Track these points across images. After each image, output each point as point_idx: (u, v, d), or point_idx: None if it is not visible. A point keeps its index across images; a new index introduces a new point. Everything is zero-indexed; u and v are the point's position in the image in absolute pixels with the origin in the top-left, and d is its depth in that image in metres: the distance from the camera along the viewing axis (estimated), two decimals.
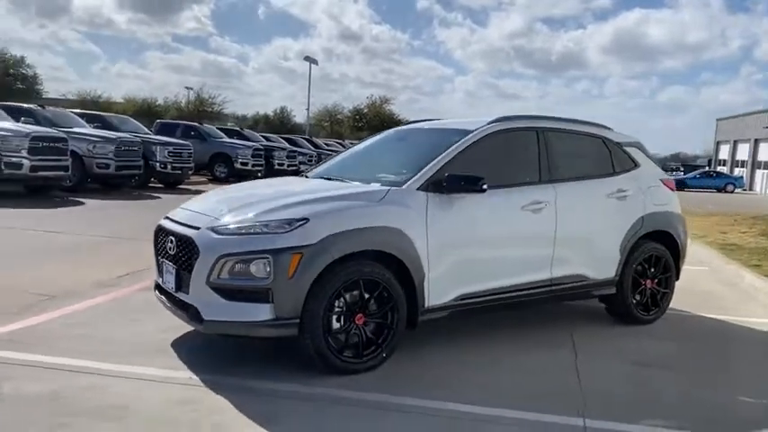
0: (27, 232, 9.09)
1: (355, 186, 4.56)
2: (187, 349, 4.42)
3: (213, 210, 4.30)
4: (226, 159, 22.41)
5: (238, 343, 4.46)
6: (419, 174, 4.47)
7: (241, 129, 30.23)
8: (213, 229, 4.00)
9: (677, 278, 5.86)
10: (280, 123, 62.64)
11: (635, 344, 5.08)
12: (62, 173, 13.97)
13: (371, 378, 4.03)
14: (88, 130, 16.32)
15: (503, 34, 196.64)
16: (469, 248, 4.54)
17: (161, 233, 4.47)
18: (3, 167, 12.82)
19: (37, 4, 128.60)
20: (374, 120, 55.58)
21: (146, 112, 50.97)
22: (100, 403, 3.48)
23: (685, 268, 8.32)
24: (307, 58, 38.99)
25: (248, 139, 25.32)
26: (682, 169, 59.41)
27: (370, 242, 4.08)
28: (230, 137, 24.58)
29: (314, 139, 35.43)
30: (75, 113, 17.64)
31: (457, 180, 4.39)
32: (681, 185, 41.61)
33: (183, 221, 4.29)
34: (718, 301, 6.78)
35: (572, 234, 5.04)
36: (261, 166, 23.30)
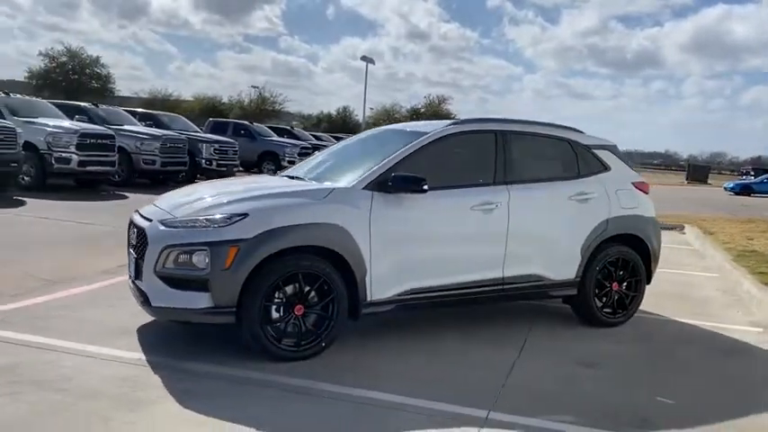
0: (59, 222, 9.74)
1: (306, 185, 4.83)
2: (150, 333, 4.77)
3: (171, 204, 4.65)
4: (274, 157, 23.03)
5: (197, 328, 4.77)
6: (367, 173, 4.69)
7: (291, 128, 31.01)
8: (162, 222, 4.34)
9: (648, 282, 5.86)
10: (342, 122, 63.47)
11: (588, 345, 5.14)
12: (109, 168, 14.79)
13: (309, 365, 4.26)
14: (137, 127, 17.17)
15: (575, 32, 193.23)
16: (416, 246, 4.72)
17: (130, 225, 4.84)
18: (53, 162, 13.73)
19: (117, 6, 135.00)
20: (431, 119, 55.39)
21: (211, 110, 52.69)
22: (49, 377, 3.85)
23: (695, 274, 8.27)
24: (363, 58, 39.48)
25: (298, 138, 25.97)
26: (752, 173, 56.79)
27: (308, 237, 4.33)
28: (280, 135, 25.27)
29: None
30: (127, 112, 18.57)
31: (401, 180, 4.59)
32: (747, 190, 39.92)
33: (144, 215, 4.66)
34: (706, 308, 6.69)
35: (526, 235, 5.14)
36: None
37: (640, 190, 5.84)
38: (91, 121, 16.41)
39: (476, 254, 4.98)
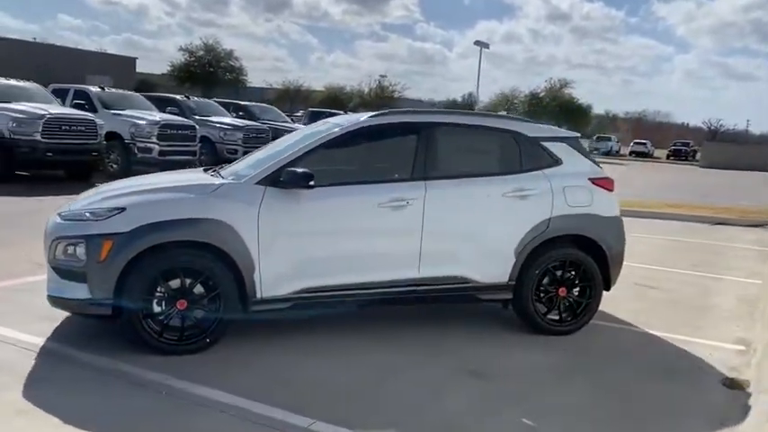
0: None
1: (202, 179, 4.82)
2: (74, 321, 4.87)
3: (81, 197, 4.83)
4: None
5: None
6: (263, 168, 4.62)
7: None
8: (59, 214, 4.53)
9: (607, 288, 5.29)
10: (467, 108, 62.95)
11: (507, 354, 4.73)
12: (189, 157, 15.62)
13: (179, 360, 4.24)
14: (223, 118, 18.02)
15: (736, 6, 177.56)
16: (312, 243, 4.57)
17: None
18: (136, 152, 14.79)
19: (264, 0, 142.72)
20: (551, 104, 53.40)
21: (333, 100, 54.16)
22: None
23: (730, 279, 7.39)
24: (477, 43, 38.72)
25: None
26: None
27: (186, 233, 4.32)
28: None
29: None
30: (219, 102, 19.55)
31: (291, 176, 4.46)
32: None
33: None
34: (701, 319, 5.92)
35: (445, 234, 4.82)
36: None
37: (600, 186, 5.26)
38: (181, 112, 17.45)
39: (383, 253, 4.73)
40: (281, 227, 4.49)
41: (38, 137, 12.38)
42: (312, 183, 4.43)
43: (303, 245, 4.55)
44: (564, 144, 5.28)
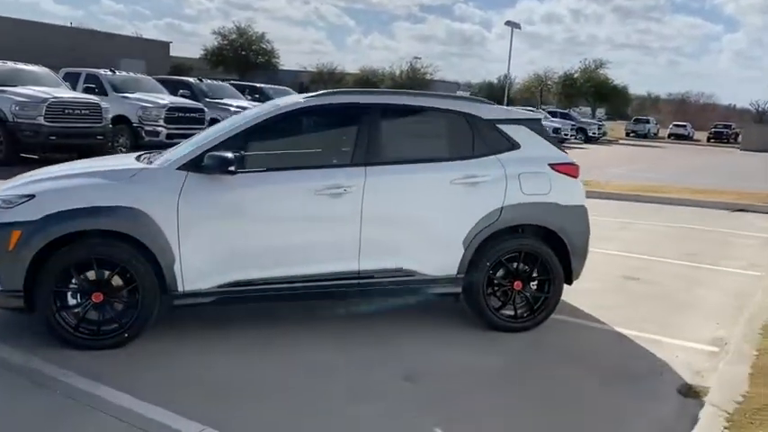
0: None
1: (120, 165, 4.56)
2: (2, 314, 4.65)
3: (3, 184, 4.64)
4: None
5: None
6: (187, 152, 4.35)
7: None
8: None
9: (569, 282, 4.89)
10: (502, 90, 61.97)
11: (449, 354, 4.37)
12: None
13: (93, 357, 4.02)
14: (235, 100, 17.88)
15: None
16: (240, 234, 4.29)
17: None
18: (144, 135, 14.76)
19: None
20: (585, 85, 51.99)
21: (364, 82, 53.80)
22: None
23: (727, 270, 6.91)
24: (508, 23, 37.75)
25: None
26: None
27: (99, 222, 4.07)
28: None
29: None
30: (234, 85, 19.41)
31: (214, 161, 4.18)
32: None
33: None
34: (678, 316, 5.43)
35: (387, 223, 4.49)
36: None
37: (563, 173, 4.84)
38: (193, 95, 17.37)
39: (319, 244, 4.42)
40: (203, 216, 4.22)
41: (41, 120, 12.38)
42: (233, 168, 4.15)
43: (229, 235, 4.28)
44: (522, 127, 4.87)
